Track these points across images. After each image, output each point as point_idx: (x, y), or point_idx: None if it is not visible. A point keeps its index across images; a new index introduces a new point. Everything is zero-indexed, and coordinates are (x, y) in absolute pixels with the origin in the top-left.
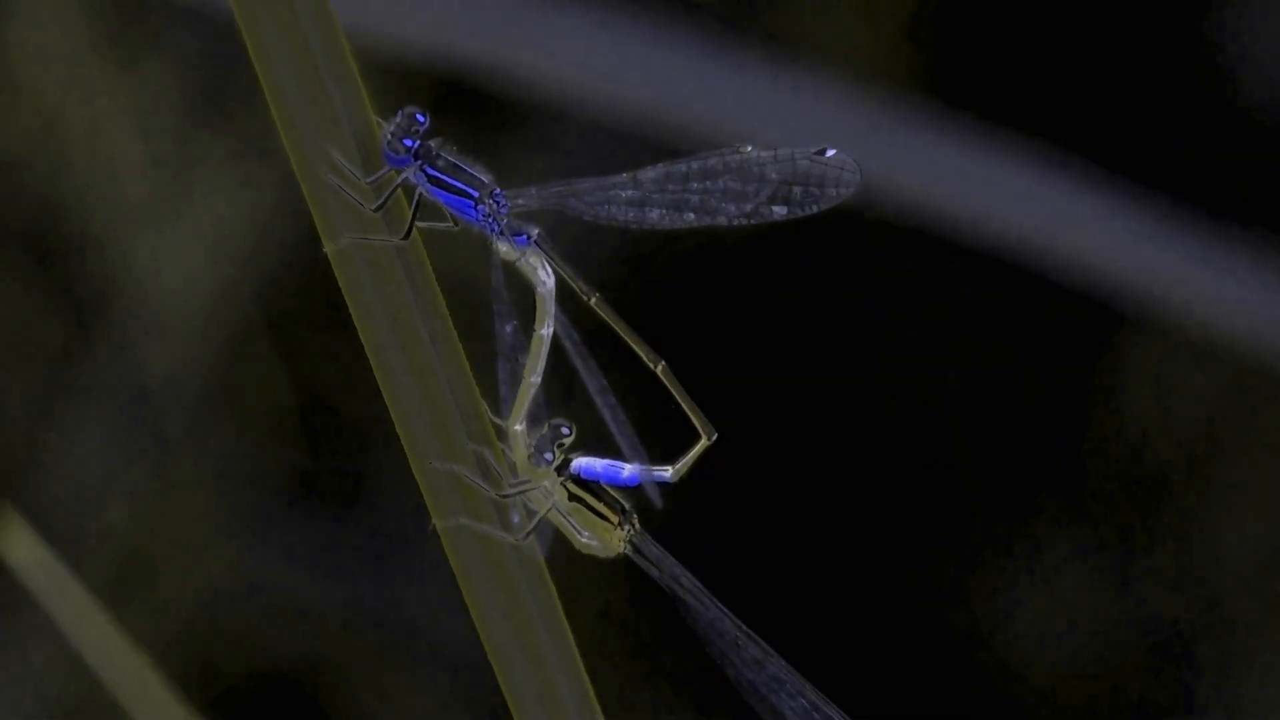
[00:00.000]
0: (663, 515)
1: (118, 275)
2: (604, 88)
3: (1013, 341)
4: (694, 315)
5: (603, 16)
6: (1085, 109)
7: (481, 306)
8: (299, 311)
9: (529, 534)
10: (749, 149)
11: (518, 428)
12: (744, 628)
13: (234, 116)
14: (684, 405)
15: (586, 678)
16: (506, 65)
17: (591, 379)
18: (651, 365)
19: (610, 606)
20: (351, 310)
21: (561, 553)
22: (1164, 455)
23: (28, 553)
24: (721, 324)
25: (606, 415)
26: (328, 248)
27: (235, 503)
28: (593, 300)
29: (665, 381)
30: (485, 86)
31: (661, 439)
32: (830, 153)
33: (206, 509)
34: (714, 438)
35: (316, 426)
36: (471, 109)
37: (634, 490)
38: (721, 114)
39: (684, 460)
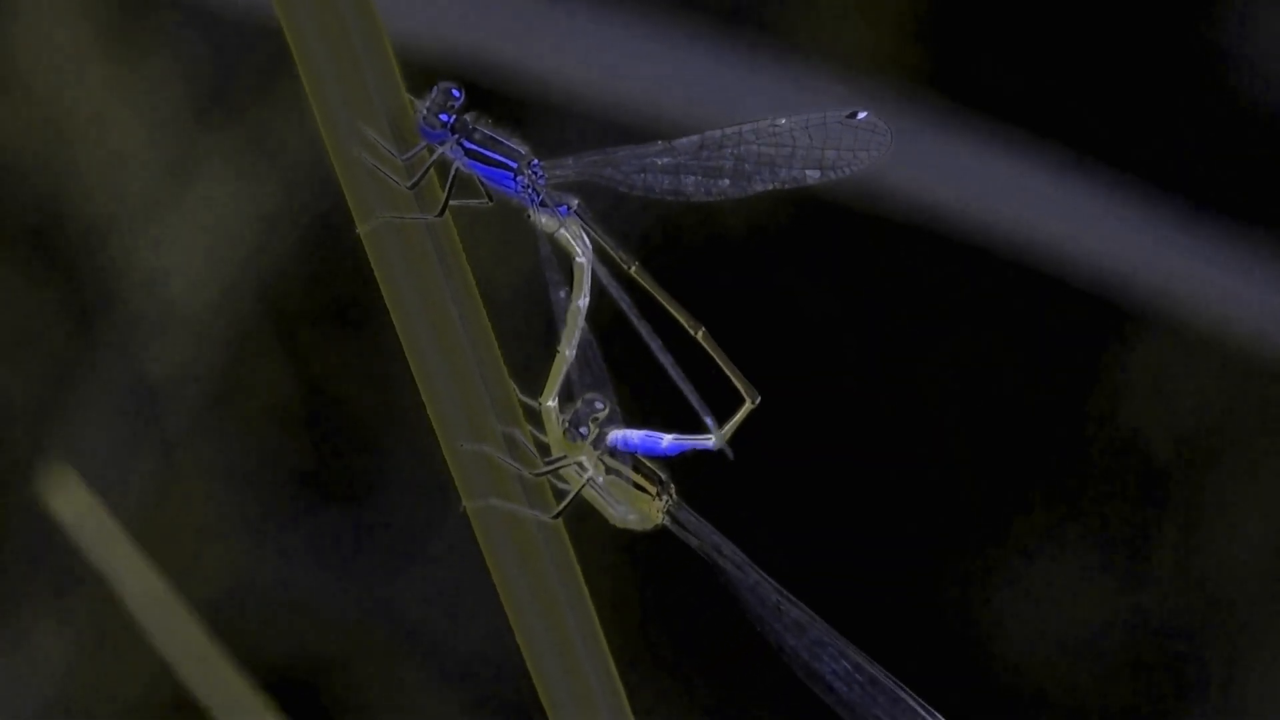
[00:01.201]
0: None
1: (122, 272)
2: (606, 85)
3: (1013, 340)
4: (697, 310)
5: (606, 13)
6: (1087, 108)
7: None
8: (304, 308)
9: (561, 512)
10: (782, 120)
11: (550, 403)
12: (785, 592)
13: (239, 114)
14: (726, 370)
15: (610, 659)
16: (509, 62)
17: (650, 339)
18: (692, 331)
19: (621, 601)
20: (383, 290)
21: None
22: (1166, 454)
23: (79, 508)
24: (724, 318)
25: (672, 373)
26: (361, 228)
27: (240, 500)
28: (632, 269)
29: (706, 346)
30: (486, 83)
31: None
32: (861, 115)
33: (211, 506)
34: (757, 400)
35: (322, 424)
36: (472, 107)
37: (667, 459)
38: (724, 112)
39: (730, 424)
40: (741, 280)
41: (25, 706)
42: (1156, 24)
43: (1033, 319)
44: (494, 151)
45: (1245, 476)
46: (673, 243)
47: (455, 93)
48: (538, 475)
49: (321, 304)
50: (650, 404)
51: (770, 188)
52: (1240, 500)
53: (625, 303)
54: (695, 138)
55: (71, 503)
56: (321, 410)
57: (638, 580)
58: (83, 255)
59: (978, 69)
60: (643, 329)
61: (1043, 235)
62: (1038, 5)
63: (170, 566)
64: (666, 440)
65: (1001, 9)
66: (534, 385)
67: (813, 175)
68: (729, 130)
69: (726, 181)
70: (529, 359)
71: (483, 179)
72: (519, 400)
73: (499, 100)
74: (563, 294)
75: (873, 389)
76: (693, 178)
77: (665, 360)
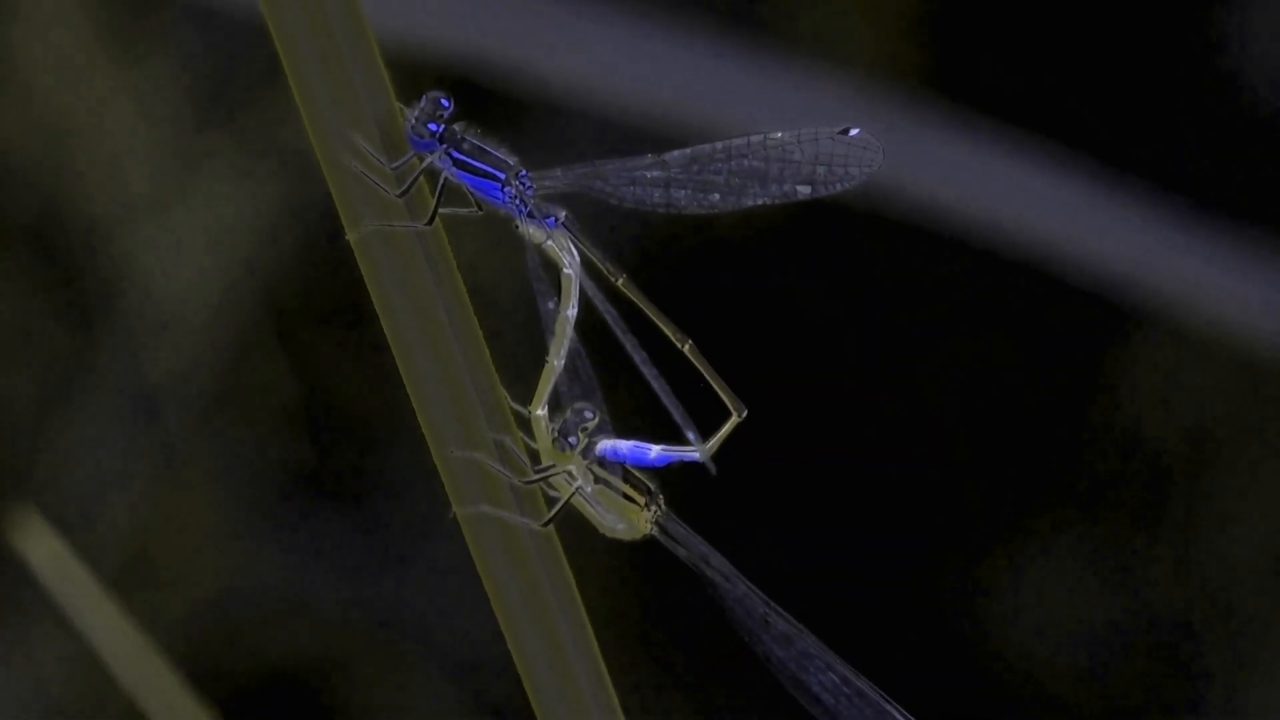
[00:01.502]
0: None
1: (123, 273)
2: (608, 85)
3: (1015, 340)
4: (697, 311)
5: (608, 14)
6: (1088, 107)
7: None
8: (304, 309)
9: (550, 520)
10: (778, 134)
11: (540, 412)
12: (773, 604)
13: (239, 114)
14: (713, 383)
15: (603, 665)
16: (509, 61)
17: (635, 352)
18: (679, 344)
19: (619, 606)
20: (373, 297)
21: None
22: (1167, 453)
23: (47, 551)
24: (724, 319)
25: (655, 386)
26: (350, 235)
27: (240, 501)
28: (620, 281)
29: (693, 360)
30: (487, 82)
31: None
32: (854, 132)
33: (211, 507)
34: (744, 414)
35: (322, 424)
36: (474, 105)
37: (659, 470)
38: (726, 111)
39: (716, 437)
40: (740, 280)
41: (24, 708)
42: (1156, 24)
43: (1033, 319)
44: (482, 162)
45: (1246, 476)
46: (671, 242)
47: (444, 102)
48: (527, 484)
49: (322, 304)
50: (640, 414)
51: (761, 202)
52: (1241, 500)
53: (611, 316)
54: (686, 151)
55: (40, 547)
56: (321, 410)
57: (636, 583)
58: (83, 255)
59: (978, 69)
60: (628, 342)
61: (1043, 235)
62: (1038, 5)
63: (170, 566)
64: (655, 451)
65: (1001, 9)
66: (530, 391)
67: (804, 191)
68: (720, 144)
69: (717, 195)
70: (536, 359)
71: (471, 189)
72: (510, 407)
73: (497, 100)
74: (551, 304)
75: (873, 389)
76: (684, 191)
77: (649, 374)
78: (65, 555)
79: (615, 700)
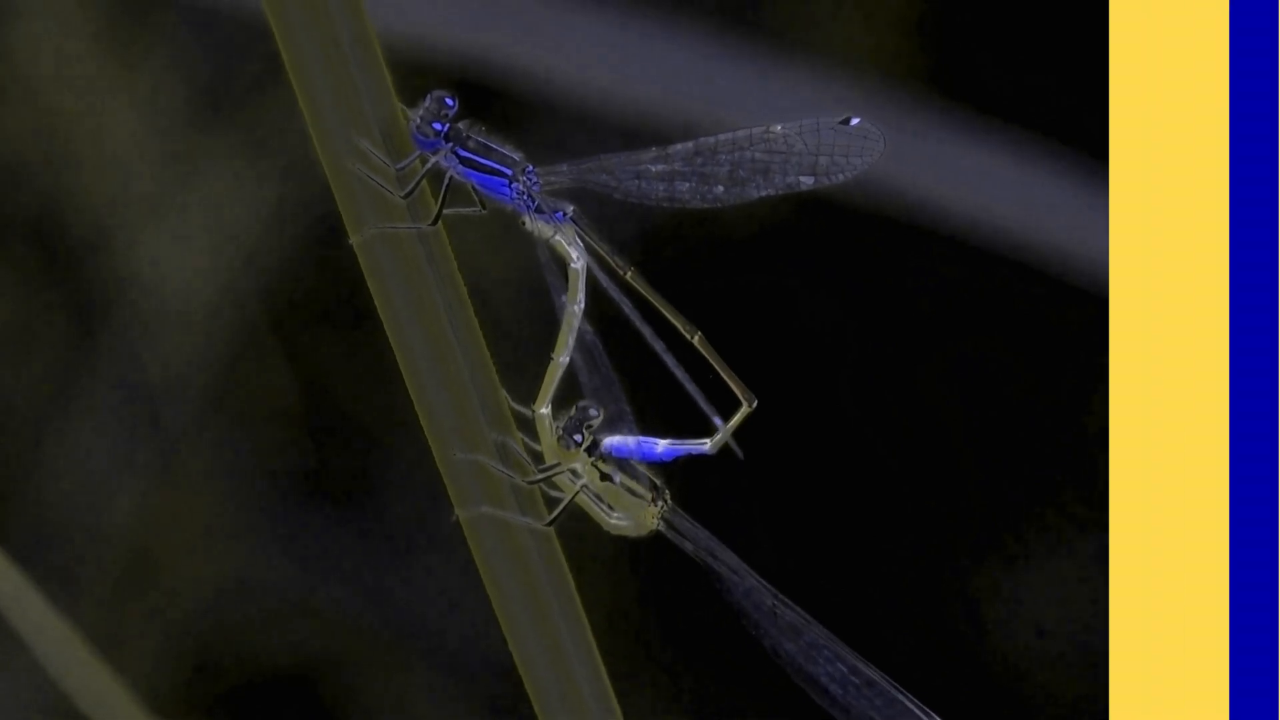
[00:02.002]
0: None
1: (123, 273)
2: (608, 85)
3: (1017, 339)
4: (694, 311)
5: (607, 14)
6: (1089, 106)
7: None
8: (304, 308)
9: (554, 520)
10: (776, 127)
11: (544, 410)
12: (780, 596)
13: (238, 114)
14: (722, 373)
15: (602, 665)
16: (511, 62)
17: (654, 341)
18: (688, 336)
19: (619, 609)
20: (376, 300)
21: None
22: None
23: (6, 583)
24: (723, 319)
25: (677, 374)
26: (354, 238)
27: (240, 500)
28: (628, 274)
29: (702, 351)
30: (488, 82)
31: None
32: (854, 121)
33: (211, 506)
34: (754, 404)
35: (322, 424)
36: (475, 106)
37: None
38: (725, 111)
39: (728, 426)
40: (741, 280)
41: (24, 708)
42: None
43: (1036, 318)
44: (488, 159)
45: None
46: (671, 241)
47: (449, 101)
48: (530, 483)
49: (322, 303)
50: (644, 409)
51: (764, 194)
52: None
53: (626, 305)
54: (689, 144)
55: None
56: (321, 410)
57: (635, 584)
58: (83, 255)
59: (978, 69)
60: (645, 331)
61: (1044, 235)
62: (1038, 5)
63: (170, 566)
64: (661, 446)
65: (1001, 9)
66: (535, 388)
67: (807, 181)
68: (723, 137)
69: (721, 188)
70: (539, 357)
71: (477, 186)
72: (511, 407)
73: (498, 100)
74: (564, 298)
75: (872, 388)
76: (687, 184)
77: (669, 361)
78: (26, 586)
79: (614, 700)
